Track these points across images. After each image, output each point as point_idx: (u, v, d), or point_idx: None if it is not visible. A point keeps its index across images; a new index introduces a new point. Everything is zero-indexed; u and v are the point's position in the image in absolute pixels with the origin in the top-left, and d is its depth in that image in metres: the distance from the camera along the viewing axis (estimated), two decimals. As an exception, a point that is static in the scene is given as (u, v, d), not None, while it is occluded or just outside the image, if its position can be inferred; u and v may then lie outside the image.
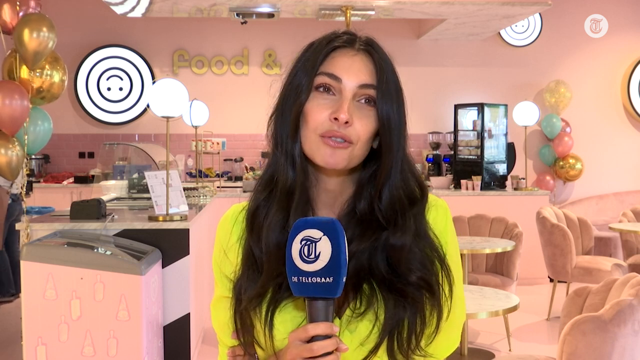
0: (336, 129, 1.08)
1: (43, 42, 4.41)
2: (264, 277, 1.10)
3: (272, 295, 1.10)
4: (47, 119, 4.76)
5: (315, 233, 1.00)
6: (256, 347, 1.15)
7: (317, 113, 1.10)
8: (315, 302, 1.01)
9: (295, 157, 1.12)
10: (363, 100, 1.10)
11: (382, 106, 1.10)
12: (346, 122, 1.07)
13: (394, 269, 1.09)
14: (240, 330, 1.13)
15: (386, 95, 1.10)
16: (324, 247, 1.00)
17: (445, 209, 1.20)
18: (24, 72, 4.48)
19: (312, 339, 0.99)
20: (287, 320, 1.09)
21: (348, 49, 1.13)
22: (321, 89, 1.11)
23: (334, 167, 1.10)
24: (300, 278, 1.00)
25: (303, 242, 1.01)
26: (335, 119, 1.08)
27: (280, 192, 1.13)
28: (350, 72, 1.10)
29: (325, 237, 1.00)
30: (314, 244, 1.00)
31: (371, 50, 1.13)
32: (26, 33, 4.36)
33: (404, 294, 1.08)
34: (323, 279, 0.99)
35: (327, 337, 0.99)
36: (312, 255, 1.00)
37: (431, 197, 1.18)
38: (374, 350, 1.08)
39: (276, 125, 1.15)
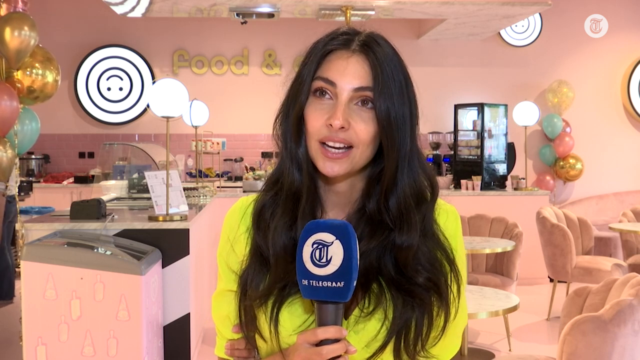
0: (334, 134, 1.07)
1: (25, 41, 4.41)
2: (270, 279, 1.09)
3: (278, 292, 1.09)
4: (34, 118, 4.77)
5: (327, 237, 0.99)
6: (258, 342, 1.14)
7: (314, 119, 1.09)
8: (324, 306, 1.00)
9: (301, 160, 1.11)
10: (360, 103, 1.08)
11: (380, 107, 1.07)
12: (342, 128, 1.06)
13: (401, 270, 1.09)
14: (244, 324, 1.13)
15: (384, 95, 1.07)
16: (336, 252, 0.98)
17: (455, 215, 1.19)
18: (11, 71, 4.49)
19: (321, 342, 0.99)
20: (293, 318, 1.09)
21: (343, 51, 1.10)
22: (318, 94, 1.09)
23: (335, 176, 1.09)
24: (311, 282, 0.99)
25: (315, 246, 0.99)
26: (331, 125, 1.06)
27: (287, 194, 1.12)
28: (345, 75, 1.08)
29: (338, 241, 0.99)
30: (325, 247, 0.99)
31: (367, 50, 1.09)
32: (7, 32, 4.36)
33: (412, 295, 1.08)
34: (334, 283, 0.98)
35: (335, 340, 0.99)
36: (324, 260, 0.99)
37: (440, 201, 1.17)
38: (381, 349, 1.07)
39: (282, 128, 1.14)
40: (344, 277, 0.98)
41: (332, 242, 0.99)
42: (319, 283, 0.99)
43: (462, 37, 8.33)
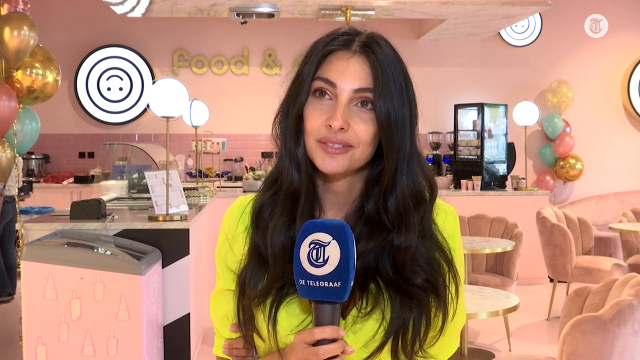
0: (333, 135, 1.07)
1: (24, 41, 4.41)
2: (269, 278, 1.10)
3: (276, 291, 1.09)
4: (35, 118, 4.76)
5: (324, 237, 0.99)
6: (257, 341, 1.15)
7: (314, 119, 1.08)
8: (322, 306, 1.00)
9: (300, 160, 1.11)
10: (360, 104, 1.08)
11: (380, 108, 1.07)
12: (341, 129, 1.06)
13: (399, 271, 1.09)
14: (242, 324, 1.13)
15: (384, 96, 1.07)
16: (333, 252, 0.99)
17: (454, 215, 1.19)
18: (11, 71, 4.49)
19: (318, 342, 0.99)
20: (291, 318, 1.09)
21: (343, 52, 1.10)
22: (318, 94, 1.09)
23: (333, 173, 1.09)
24: (308, 281, 0.99)
25: (312, 246, 0.99)
26: (330, 125, 1.06)
27: (285, 194, 1.12)
28: (345, 76, 1.07)
29: (335, 241, 0.99)
30: (322, 248, 0.99)
31: (367, 50, 1.09)
32: (7, 32, 4.35)
33: (410, 296, 1.08)
34: (331, 283, 0.98)
35: (332, 340, 0.99)
36: (321, 260, 0.99)
37: (439, 201, 1.17)
38: (379, 350, 1.08)
39: (281, 127, 1.14)
40: (341, 277, 0.98)
41: (329, 242, 0.99)
42: (315, 283, 0.99)
43: (462, 37, 8.33)
